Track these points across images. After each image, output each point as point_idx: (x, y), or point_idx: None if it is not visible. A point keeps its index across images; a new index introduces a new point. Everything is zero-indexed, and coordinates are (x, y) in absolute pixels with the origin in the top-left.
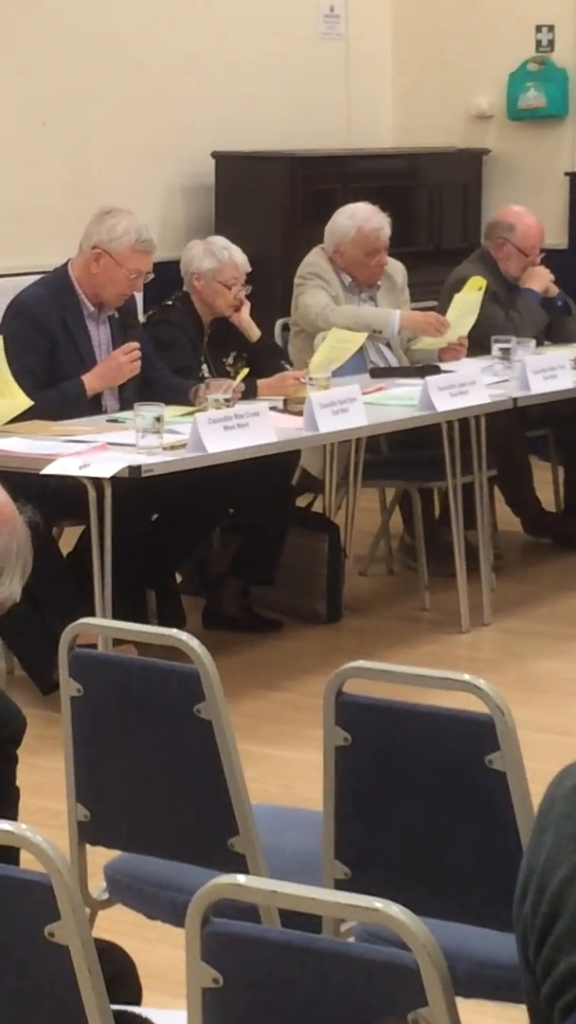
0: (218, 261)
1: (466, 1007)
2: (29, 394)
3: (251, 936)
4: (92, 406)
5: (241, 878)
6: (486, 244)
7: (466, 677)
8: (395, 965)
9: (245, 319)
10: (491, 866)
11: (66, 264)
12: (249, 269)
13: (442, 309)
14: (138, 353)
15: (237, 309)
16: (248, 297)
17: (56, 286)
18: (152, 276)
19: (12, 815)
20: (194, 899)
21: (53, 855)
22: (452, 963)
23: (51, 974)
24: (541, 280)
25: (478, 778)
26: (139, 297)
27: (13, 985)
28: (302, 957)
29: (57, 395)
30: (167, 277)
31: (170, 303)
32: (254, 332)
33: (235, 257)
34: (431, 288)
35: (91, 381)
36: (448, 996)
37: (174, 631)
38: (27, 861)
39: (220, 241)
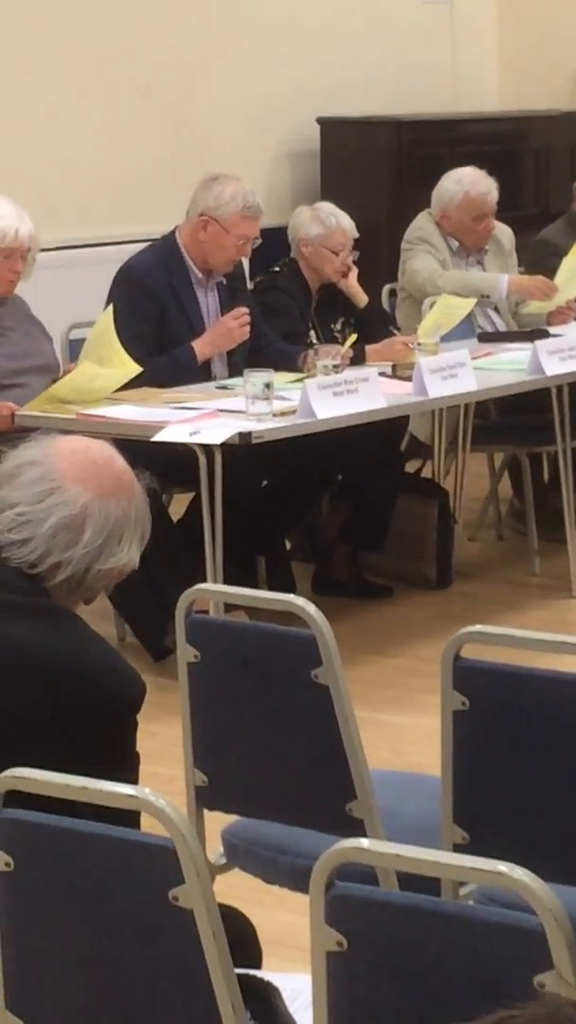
0: (326, 227)
1: None
2: (139, 361)
3: (376, 900)
4: (201, 373)
5: (365, 842)
6: (574, 206)
7: None
8: (521, 928)
9: (353, 285)
10: None
11: (174, 231)
12: (356, 235)
13: (527, 271)
14: (247, 318)
15: (345, 275)
16: (355, 263)
17: (164, 253)
18: (259, 242)
19: (133, 780)
20: (318, 863)
21: (177, 819)
22: (574, 926)
23: (176, 938)
24: None
25: None
26: (246, 264)
27: (138, 949)
28: (427, 920)
29: (168, 361)
30: (274, 243)
31: (277, 269)
32: (362, 298)
33: (343, 223)
34: None
35: (201, 347)
36: (575, 958)
37: (291, 596)
38: (147, 826)
39: (327, 207)
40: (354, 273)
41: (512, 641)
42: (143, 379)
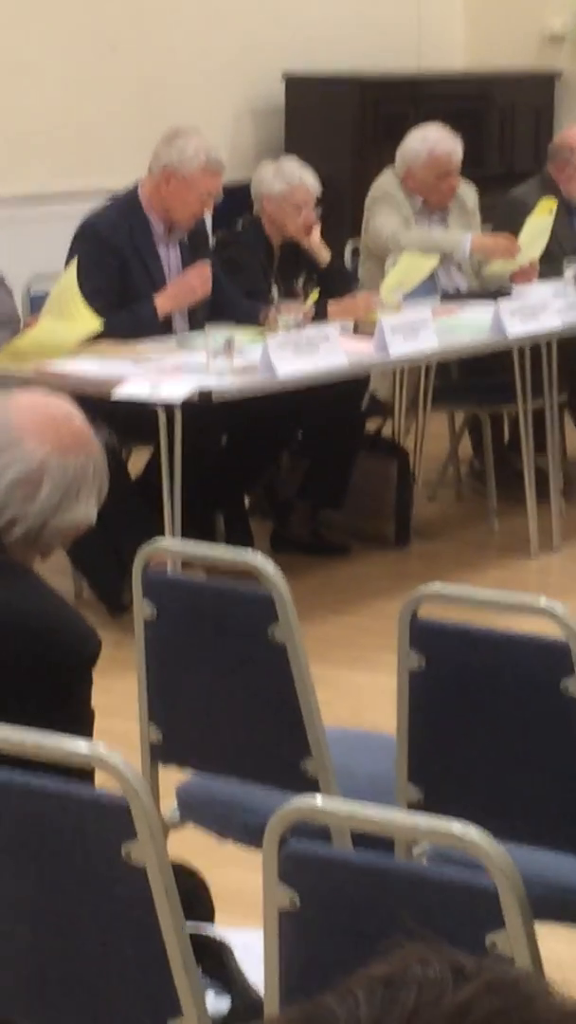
0: (288, 184)
1: (540, 930)
2: (100, 315)
3: (329, 858)
4: (162, 328)
5: (318, 800)
6: (549, 167)
7: (543, 602)
8: (473, 887)
9: (315, 241)
10: (565, 790)
11: (135, 186)
12: (320, 192)
13: (497, 230)
14: (209, 274)
15: (307, 232)
16: (318, 220)
17: (126, 208)
18: (221, 197)
19: (88, 736)
20: (271, 821)
21: (130, 775)
22: (526, 886)
23: (128, 894)
24: None
25: (553, 703)
26: (208, 220)
27: (90, 904)
28: (380, 879)
29: (129, 316)
30: (237, 200)
31: (240, 225)
32: (324, 255)
33: (306, 180)
34: None
35: (162, 302)
36: (526, 917)
37: (249, 553)
38: (101, 781)
39: (291, 163)
40: (317, 230)
41: (470, 601)
42: (105, 333)
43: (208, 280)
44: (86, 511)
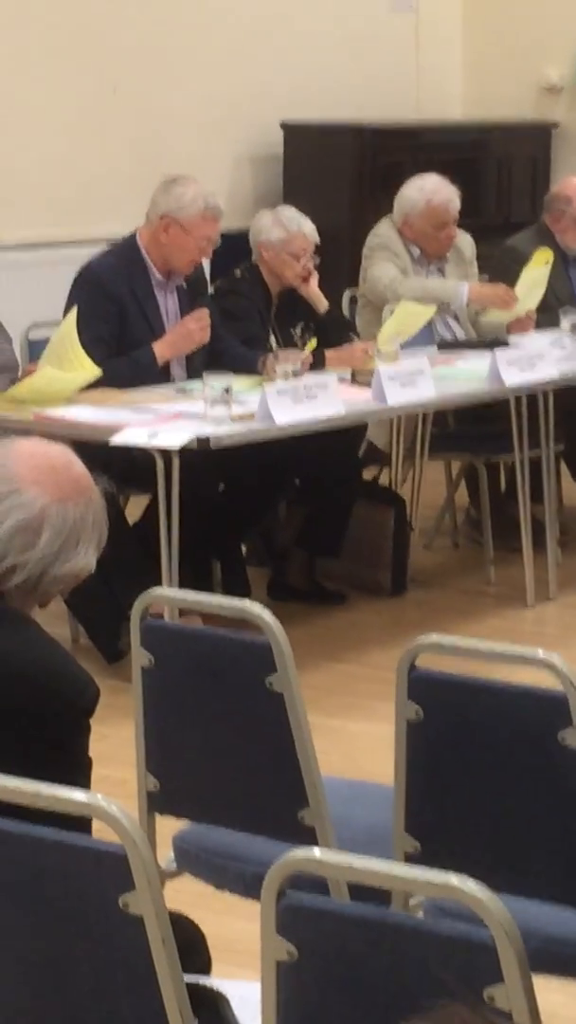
0: (287, 231)
1: (534, 982)
2: (100, 363)
3: (327, 910)
4: (160, 375)
5: (317, 852)
6: (545, 217)
7: (540, 653)
8: (471, 941)
9: (314, 290)
10: (562, 842)
11: (134, 233)
12: (318, 240)
13: (493, 279)
14: (208, 320)
15: (305, 280)
16: (316, 268)
17: (125, 255)
18: (219, 243)
19: (85, 785)
20: (270, 872)
21: (128, 825)
22: (523, 939)
23: (125, 944)
24: None
25: (551, 755)
26: (207, 267)
27: (87, 955)
28: (378, 932)
29: (128, 363)
30: (235, 247)
31: (238, 273)
32: (322, 304)
33: (304, 228)
34: None
35: (161, 349)
36: (524, 972)
37: (247, 603)
38: (98, 830)
39: (289, 211)
40: (315, 278)
41: (468, 653)
42: (104, 381)
43: (207, 326)
44: (85, 559)
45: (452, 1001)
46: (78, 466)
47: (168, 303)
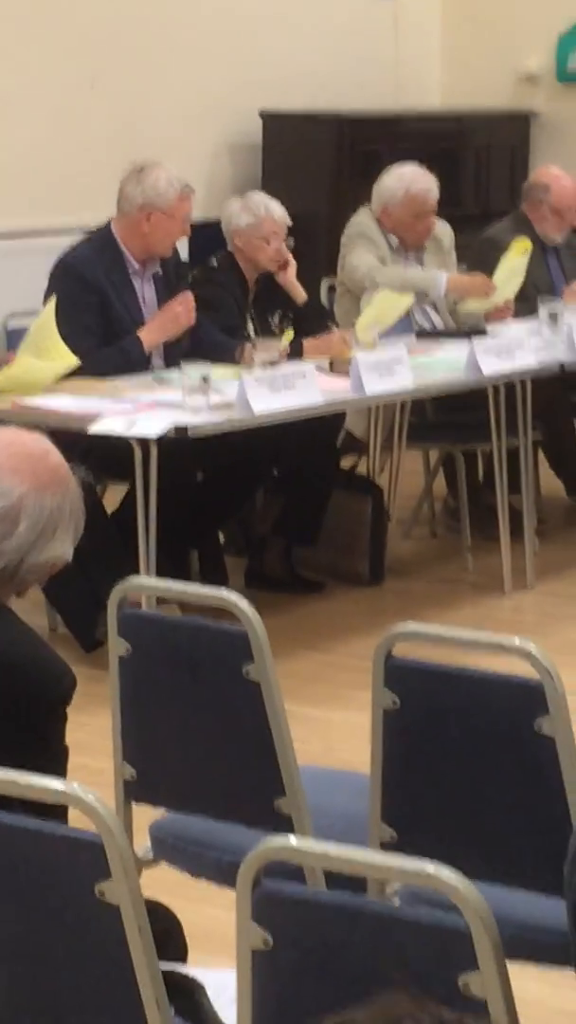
0: (255, 216)
1: (510, 970)
2: (89, 353)
3: (302, 898)
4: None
5: (293, 840)
6: (523, 206)
7: (516, 641)
8: (446, 929)
9: (291, 280)
10: (538, 830)
11: (108, 224)
12: (289, 223)
13: (472, 269)
14: (192, 302)
15: (281, 266)
16: (293, 254)
17: (101, 245)
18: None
19: (61, 774)
20: (246, 860)
21: (105, 814)
22: (499, 926)
23: (101, 933)
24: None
25: (526, 743)
26: (185, 253)
27: (63, 943)
28: (353, 919)
29: (118, 354)
30: (215, 237)
31: (213, 262)
32: (300, 294)
33: (273, 211)
34: None
35: (148, 335)
36: (499, 960)
37: (224, 591)
38: (74, 819)
39: (257, 196)
40: (292, 268)
41: (444, 640)
42: (96, 371)
43: (192, 308)
44: (63, 548)
45: (395, 991)
46: (55, 455)
47: (145, 291)
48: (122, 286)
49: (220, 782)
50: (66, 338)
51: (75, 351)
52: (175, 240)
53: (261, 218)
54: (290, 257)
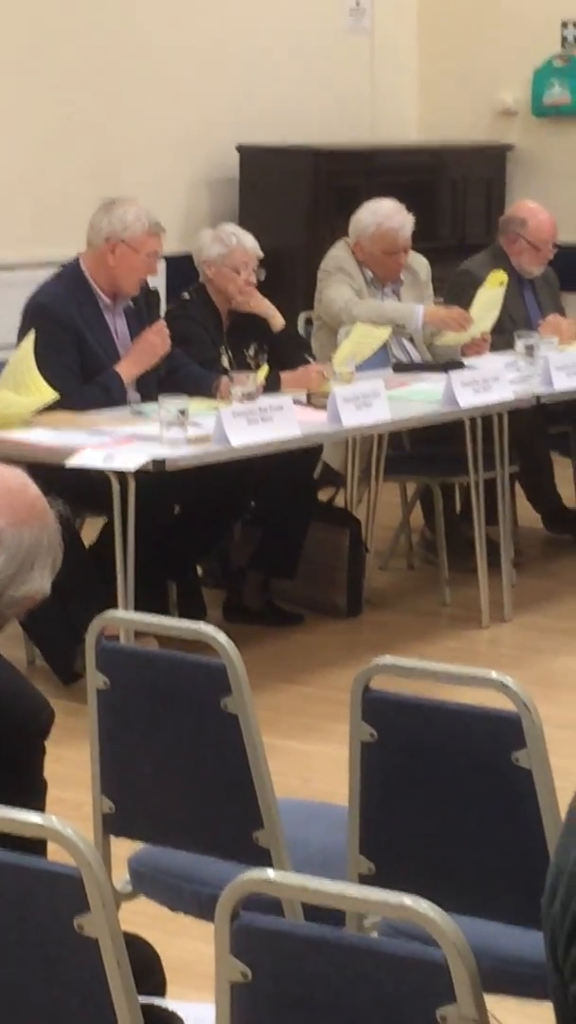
0: (226, 246)
1: (489, 1003)
2: (72, 392)
3: (280, 931)
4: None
5: (271, 873)
6: (500, 240)
7: (493, 674)
8: (424, 961)
9: (267, 307)
10: (516, 863)
11: (76, 259)
12: (260, 254)
13: (448, 302)
14: (167, 331)
15: (244, 292)
16: (265, 284)
17: (70, 282)
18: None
19: (40, 807)
20: (224, 893)
21: (84, 848)
22: (476, 959)
23: (80, 966)
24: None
25: (504, 775)
26: (163, 292)
27: (42, 977)
28: (331, 952)
29: (99, 390)
30: (192, 270)
31: (186, 296)
32: (278, 320)
33: (244, 241)
34: None
35: (126, 369)
36: (477, 992)
37: (202, 625)
38: (53, 853)
39: (229, 227)
40: (257, 296)
41: (422, 674)
42: (76, 409)
43: (167, 337)
44: (41, 583)
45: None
46: (33, 489)
47: (117, 325)
48: (94, 321)
49: (198, 815)
50: (46, 379)
51: (56, 391)
52: (141, 277)
53: (232, 248)
54: (254, 287)
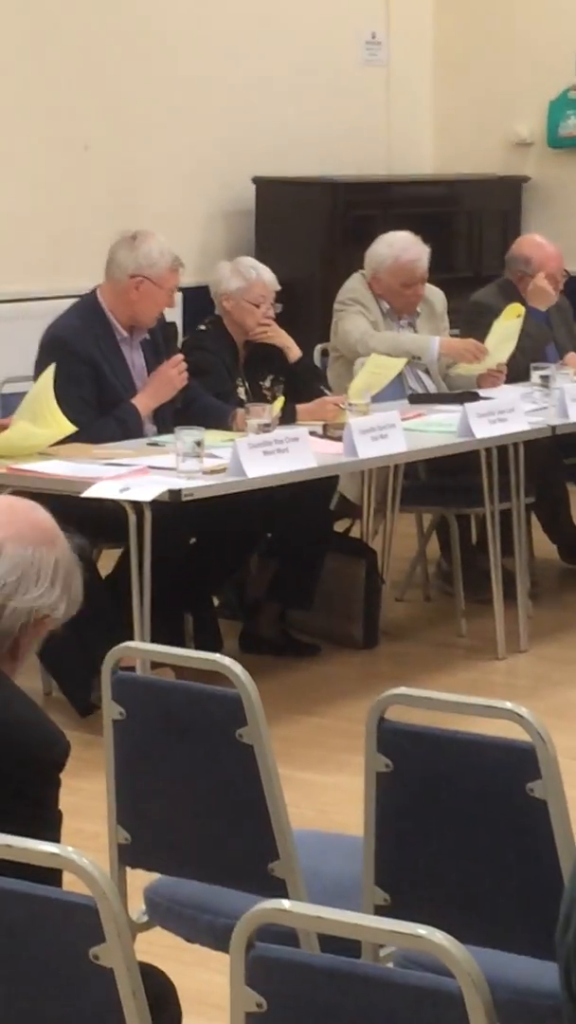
0: (246, 280)
1: None
2: (89, 424)
3: (296, 961)
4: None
5: (286, 903)
6: (507, 274)
7: (508, 705)
8: (439, 992)
9: (282, 337)
10: (531, 894)
11: (94, 292)
12: (278, 288)
13: (461, 333)
14: (184, 364)
15: (262, 326)
16: (282, 315)
17: (88, 315)
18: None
19: (55, 839)
20: (239, 924)
21: (99, 878)
22: (492, 990)
23: (95, 997)
24: (543, 297)
25: (519, 806)
26: (180, 324)
27: (58, 1007)
28: (346, 983)
29: (116, 424)
30: (209, 302)
31: (204, 328)
32: (295, 351)
33: (263, 276)
34: None
35: (143, 402)
36: (492, 1023)
37: (218, 656)
38: (69, 883)
39: (247, 261)
40: (274, 327)
41: (436, 704)
42: (94, 442)
43: (183, 369)
44: (50, 599)
45: None
46: (41, 512)
47: (134, 358)
48: (112, 354)
49: (214, 845)
50: (64, 412)
51: (74, 424)
52: (159, 310)
53: (252, 282)
54: (272, 320)
